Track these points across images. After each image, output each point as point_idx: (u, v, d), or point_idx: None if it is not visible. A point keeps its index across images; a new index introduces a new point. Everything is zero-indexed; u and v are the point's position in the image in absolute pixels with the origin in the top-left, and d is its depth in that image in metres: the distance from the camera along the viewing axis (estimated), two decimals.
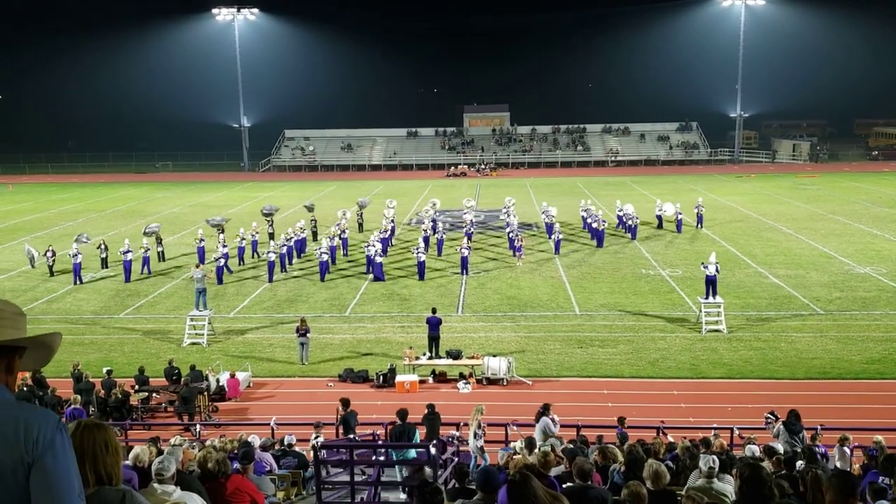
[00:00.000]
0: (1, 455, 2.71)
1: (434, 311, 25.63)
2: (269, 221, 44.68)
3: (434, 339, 24.59)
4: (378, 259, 35.02)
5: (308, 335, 24.57)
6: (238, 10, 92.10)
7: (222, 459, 8.18)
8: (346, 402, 17.32)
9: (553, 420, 15.53)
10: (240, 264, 37.89)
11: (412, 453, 14.02)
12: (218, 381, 22.34)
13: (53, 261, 37.15)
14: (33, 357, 3.12)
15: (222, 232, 40.69)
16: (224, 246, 36.57)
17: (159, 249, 39.89)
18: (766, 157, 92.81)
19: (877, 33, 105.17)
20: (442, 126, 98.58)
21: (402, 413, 15.47)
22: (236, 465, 9.61)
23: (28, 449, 2.73)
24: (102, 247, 38.44)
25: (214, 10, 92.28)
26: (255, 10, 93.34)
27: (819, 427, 15.48)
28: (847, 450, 13.74)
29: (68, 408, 18.64)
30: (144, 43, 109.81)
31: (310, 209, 47.15)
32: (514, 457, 12.20)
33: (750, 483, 5.57)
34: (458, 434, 17.34)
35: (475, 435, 15.82)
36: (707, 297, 27.67)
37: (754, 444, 13.70)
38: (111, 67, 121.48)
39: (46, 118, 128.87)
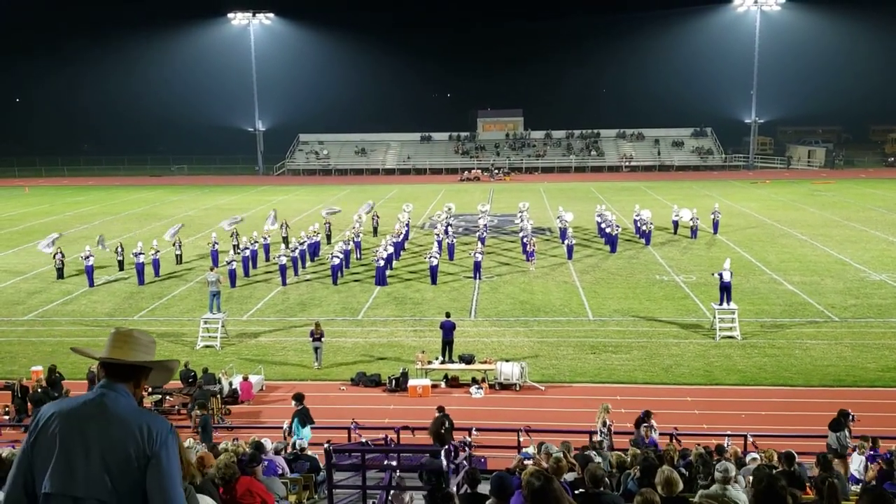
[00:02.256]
0: (129, 448, 3.46)
1: (448, 315, 25.63)
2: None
3: (448, 344, 24.58)
4: (378, 264, 35.04)
5: (322, 340, 24.59)
6: (254, 15, 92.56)
7: (230, 462, 8.22)
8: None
9: (651, 427, 15.58)
10: (253, 267, 38.00)
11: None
12: (231, 383, 22.40)
13: (63, 263, 37.32)
14: (157, 377, 3.89)
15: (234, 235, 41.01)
16: (242, 248, 37.17)
17: (177, 252, 40.10)
18: (781, 163, 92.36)
19: (893, 39, 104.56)
20: (456, 131, 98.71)
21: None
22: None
23: (149, 445, 3.49)
24: (119, 249, 38.68)
25: (230, 15, 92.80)
26: (271, 15, 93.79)
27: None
28: (863, 457, 13.65)
29: None
30: (160, 47, 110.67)
31: (333, 213, 47.46)
32: (526, 462, 12.17)
33: (765, 494, 5.54)
34: (469, 439, 17.30)
35: (599, 432, 15.93)
36: (721, 304, 27.53)
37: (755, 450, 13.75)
38: (127, 71, 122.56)
39: (63, 121, 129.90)
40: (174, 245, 40.26)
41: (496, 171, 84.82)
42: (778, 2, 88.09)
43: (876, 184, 71.25)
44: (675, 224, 45.80)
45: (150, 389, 21.82)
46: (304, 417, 17.37)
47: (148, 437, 3.49)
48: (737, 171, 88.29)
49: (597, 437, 16.27)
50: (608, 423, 16.54)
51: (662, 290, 33.18)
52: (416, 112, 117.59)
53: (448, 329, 24.66)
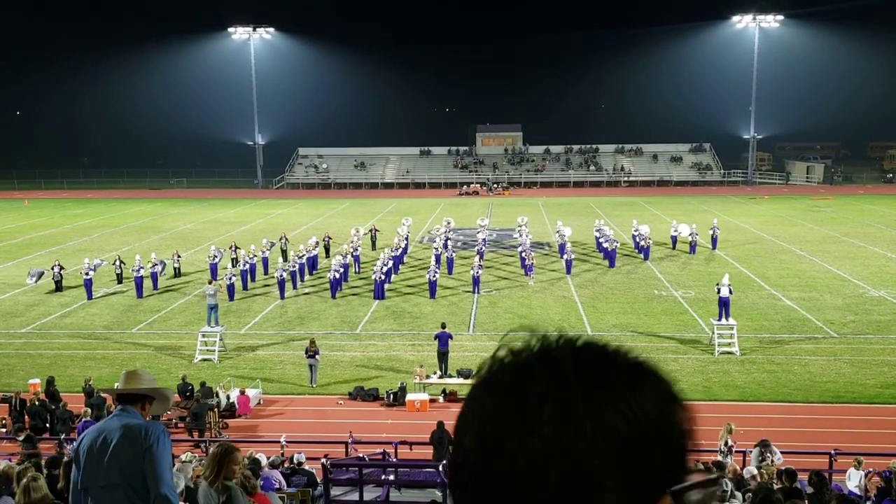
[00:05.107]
0: (134, 447, 4.84)
1: (444, 326, 25.59)
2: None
3: (443, 355, 24.51)
4: (375, 277, 35.06)
5: (317, 356, 24.47)
6: (254, 30, 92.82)
7: (248, 475, 8.27)
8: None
9: (772, 451, 15.43)
10: (252, 280, 37.96)
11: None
12: (228, 397, 22.34)
13: (62, 276, 37.28)
14: (158, 406, 5.40)
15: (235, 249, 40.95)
16: (243, 262, 37.34)
17: (175, 266, 40.10)
18: (779, 178, 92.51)
19: (891, 55, 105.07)
20: (455, 145, 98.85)
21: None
22: None
23: (145, 441, 4.85)
24: (118, 262, 38.66)
25: (230, 29, 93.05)
26: (271, 30, 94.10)
27: (833, 451, 15.34)
28: (861, 473, 13.61)
29: (80, 421, 18.67)
30: (160, 61, 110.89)
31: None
32: None
33: None
34: None
35: (720, 451, 15.83)
36: (720, 319, 27.53)
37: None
38: (127, 85, 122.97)
39: (63, 134, 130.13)
40: (172, 258, 40.23)
41: (494, 185, 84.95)
42: (776, 18, 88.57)
43: (874, 200, 71.37)
44: (674, 239, 45.80)
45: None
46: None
47: (145, 437, 4.87)
48: (735, 186, 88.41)
49: (717, 457, 15.99)
50: (730, 443, 16.34)
51: (661, 305, 33.16)
52: (415, 126, 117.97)
53: (443, 339, 24.61)
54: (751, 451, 15.76)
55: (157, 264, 37.53)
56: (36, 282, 37.31)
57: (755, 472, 13.62)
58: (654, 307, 32.77)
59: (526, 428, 0.98)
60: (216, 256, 39.30)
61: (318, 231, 48.13)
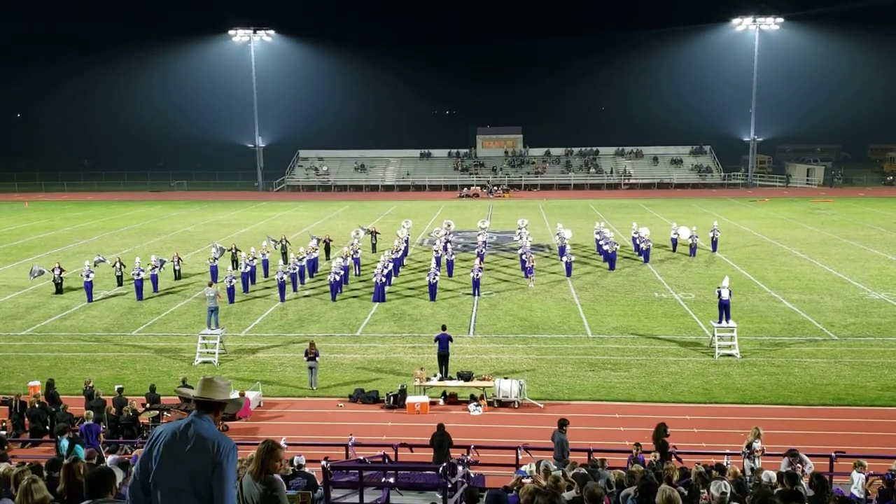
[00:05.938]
0: (205, 457, 5.15)
1: (444, 328, 25.57)
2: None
3: (443, 357, 24.50)
4: (375, 280, 35.04)
5: (317, 359, 24.45)
6: (254, 32, 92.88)
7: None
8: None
9: (802, 461, 15.14)
10: (252, 283, 37.96)
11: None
12: None
13: (62, 278, 37.30)
14: (231, 407, 5.75)
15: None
16: (244, 265, 37.37)
17: (176, 268, 40.10)
18: (780, 181, 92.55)
19: (891, 58, 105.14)
20: (455, 147, 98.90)
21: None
22: None
23: (216, 456, 5.16)
24: (118, 265, 38.67)
25: (231, 32, 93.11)
26: (271, 32, 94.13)
27: (834, 454, 15.32)
28: (862, 476, 13.58)
29: (81, 424, 18.66)
30: (161, 63, 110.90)
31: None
32: (525, 480, 12.11)
33: None
34: (468, 456, 17.22)
35: (743, 453, 15.94)
36: (720, 322, 27.52)
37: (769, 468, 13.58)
38: (128, 87, 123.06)
39: (63, 136, 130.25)
40: (172, 261, 40.25)
41: (495, 187, 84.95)
42: (776, 21, 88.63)
43: (874, 202, 71.39)
44: (674, 242, 45.81)
45: (147, 405, 21.82)
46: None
47: (216, 451, 5.17)
48: (735, 189, 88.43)
49: (749, 462, 15.91)
50: (757, 447, 16.24)
51: (661, 307, 33.15)
52: (415, 129, 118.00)
53: (444, 341, 24.59)
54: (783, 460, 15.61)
55: (156, 266, 37.53)
56: (34, 278, 37.53)
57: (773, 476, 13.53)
58: (655, 309, 32.76)
59: None
60: (216, 258, 39.33)
61: (317, 233, 48.08)
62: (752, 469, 15.33)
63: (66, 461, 7.30)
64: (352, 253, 40.56)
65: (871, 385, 23.56)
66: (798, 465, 14.69)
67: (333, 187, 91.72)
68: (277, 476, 6.01)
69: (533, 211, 66.60)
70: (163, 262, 38.74)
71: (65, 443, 16.44)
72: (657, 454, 16.27)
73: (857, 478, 13.67)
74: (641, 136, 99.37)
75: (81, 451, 15.98)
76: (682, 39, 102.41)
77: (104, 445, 18.37)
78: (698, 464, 14.09)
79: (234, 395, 21.82)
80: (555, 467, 11.78)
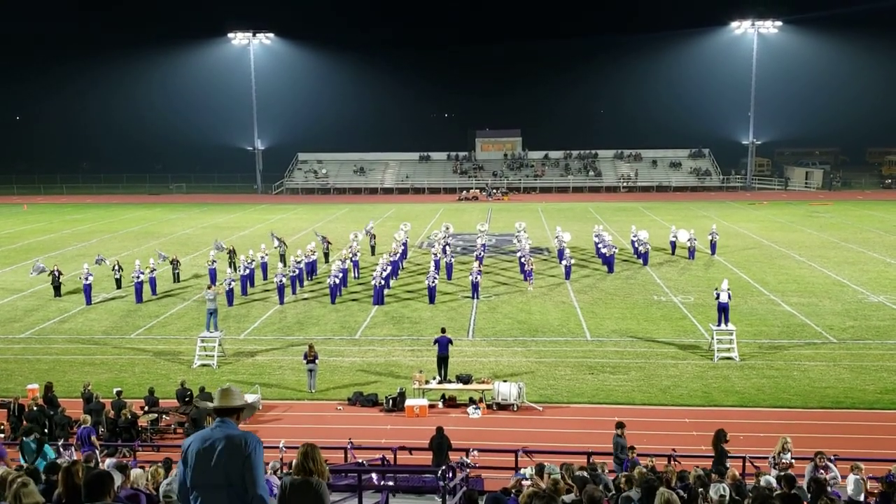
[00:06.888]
0: (236, 453, 5.74)
1: (443, 331, 25.56)
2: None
3: (443, 360, 24.48)
4: (374, 283, 35.05)
5: (316, 362, 24.41)
6: (254, 35, 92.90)
7: None
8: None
9: (826, 466, 14.98)
10: (251, 286, 37.94)
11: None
12: None
13: (60, 281, 37.27)
14: (247, 412, 6.24)
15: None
16: (242, 268, 37.54)
17: (175, 271, 40.10)
18: (778, 184, 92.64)
19: (890, 61, 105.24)
20: (454, 150, 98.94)
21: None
22: None
23: (245, 450, 5.76)
24: (117, 267, 38.66)
25: (230, 35, 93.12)
26: (271, 35, 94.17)
27: (833, 457, 15.31)
28: (861, 479, 13.57)
29: (79, 427, 18.63)
30: (160, 66, 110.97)
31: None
32: (524, 483, 12.11)
33: None
34: (467, 459, 17.22)
35: (771, 464, 15.93)
36: (719, 325, 27.53)
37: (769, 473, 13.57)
38: (127, 90, 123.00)
39: (62, 139, 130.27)
40: (171, 263, 40.26)
41: (494, 190, 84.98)
42: (775, 24, 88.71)
43: (873, 205, 71.43)
44: (673, 245, 45.83)
45: (146, 408, 21.79)
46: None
47: (245, 446, 5.79)
48: (734, 192, 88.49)
49: (772, 470, 15.86)
50: (786, 460, 16.14)
51: (660, 310, 33.16)
52: (414, 132, 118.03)
53: (443, 344, 24.58)
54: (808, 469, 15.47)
55: (161, 259, 37.86)
56: (36, 275, 37.55)
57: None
58: (654, 312, 32.77)
59: None
60: (217, 251, 39.48)
61: (322, 232, 48.03)
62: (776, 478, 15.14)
63: (64, 464, 7.28)
64: (351, 256, 40.56)
65: (870, 388, 23.56)
66: (822, 471, 14.59)
67: (332, 190, 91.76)
68: (317, 479, 6.25)
69: (532, 214, 66.62)
70: (165, 258, 39.06)
71: (31, 444, 16.00)
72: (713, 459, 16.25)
73: (854, 480, 13.66)
74: (640, 139, 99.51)
75: (51, 452, 15.80)
76: (681, 42, 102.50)
77: (101, 449, 18.33)
78: (696, 467, 14.09)
79: (251, 398, 21.85)
80: (556, 469, 11.76)
